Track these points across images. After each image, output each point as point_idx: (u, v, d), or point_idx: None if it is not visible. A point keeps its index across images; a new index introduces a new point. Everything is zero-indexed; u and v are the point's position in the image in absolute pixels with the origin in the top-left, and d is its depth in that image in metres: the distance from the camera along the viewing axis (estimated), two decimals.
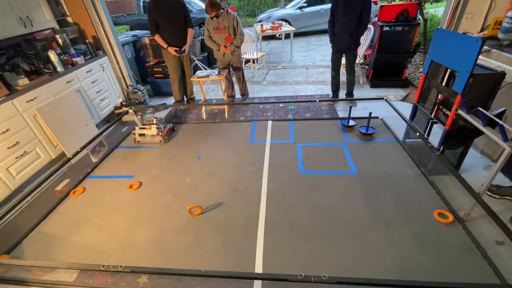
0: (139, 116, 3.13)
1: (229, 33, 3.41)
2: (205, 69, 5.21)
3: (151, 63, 4.59)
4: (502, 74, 1.86)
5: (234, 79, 4.02)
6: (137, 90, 4.25)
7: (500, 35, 2.36)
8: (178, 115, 3.94)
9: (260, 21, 8.24)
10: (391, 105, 2.97)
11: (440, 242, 1.73)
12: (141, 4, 8.25)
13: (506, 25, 2.27)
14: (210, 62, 5.85)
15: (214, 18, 3.34)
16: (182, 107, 4.12)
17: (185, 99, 4.11)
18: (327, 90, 4.27)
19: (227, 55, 3.58)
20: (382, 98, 3.24)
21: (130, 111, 3.05)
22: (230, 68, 3.87)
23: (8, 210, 2.09)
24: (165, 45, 3.45)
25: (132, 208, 2.23)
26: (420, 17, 4.37)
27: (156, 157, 2.90)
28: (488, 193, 2.03)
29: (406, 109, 2.84)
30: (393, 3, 5.10)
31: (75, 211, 2.27)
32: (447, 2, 3.16)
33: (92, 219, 2.16)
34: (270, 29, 5.93)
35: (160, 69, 4.50)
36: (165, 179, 2.53)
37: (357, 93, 3.99)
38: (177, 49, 3.48)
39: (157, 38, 3.43)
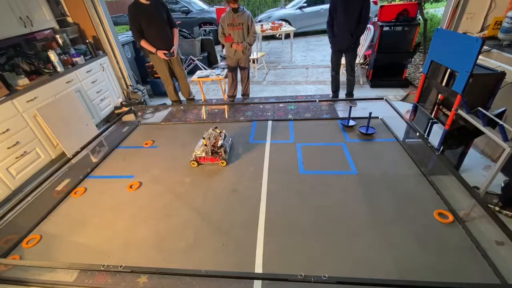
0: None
1: (242, 30, 3.44)
2: (205, 69, 5.21)
3: (151, 63, 4.58)
4: (502, 74, 1.86)
5: (238, 78, 4.01)
6: (137, 90, 4.25)
7: (500, 35, 2.36)
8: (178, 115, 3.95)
9: (260, 21, 8.23)
10: (391, 105, 2.98)
11: (440, 242, 1.73)
12: None
13: (506, 25, 2.28)
14: (210, 62, 5.85)
15: (230, 14, 3.36)
16: (182, 107, 4.12)
17: (182, 99, 4.11)
18: (327, 90, 4.28)
19: (237, 53, 3.59)
20: (382, 98, 3.24)
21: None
22: (237, 68, 3.87)
23: (8, 210, 2.09)
24: (153, 50, 3.37)
25: (132, 208, 2.23)
26: (420, 17, 4.37)
27: (156, 157, 2.89)
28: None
29: (406, 109, 2.84)
30: (393, 3, 5.10)
31: (75, 211, 2.27)
32: (447, 2, 3.16)
33: (92, 219, 2.16)
34: (270, 29, 5.93)
35: None
36: (165, 179, 2.53)
37: (357, 93, 3.99)
38: (167, 52, 3.41)
39: (144, 43, 3.34)
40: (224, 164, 2.62)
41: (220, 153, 2.61)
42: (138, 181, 2.53)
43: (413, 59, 5.04)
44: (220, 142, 2.62)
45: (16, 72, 2.84)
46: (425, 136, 2.36)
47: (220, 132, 2.75)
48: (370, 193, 2.16)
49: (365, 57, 5.02)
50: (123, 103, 4.11)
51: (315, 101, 3.74)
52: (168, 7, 3.46)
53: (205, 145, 2.57)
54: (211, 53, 5.90)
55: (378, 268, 1.61)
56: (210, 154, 2.60)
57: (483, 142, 2.54)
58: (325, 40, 7.75)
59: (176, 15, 8.00)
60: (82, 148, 2.77)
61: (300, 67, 5.70)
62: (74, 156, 2.70)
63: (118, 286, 1.65)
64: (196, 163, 2.64)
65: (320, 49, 6.94)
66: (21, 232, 2.08)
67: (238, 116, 3.73)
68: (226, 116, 3.79)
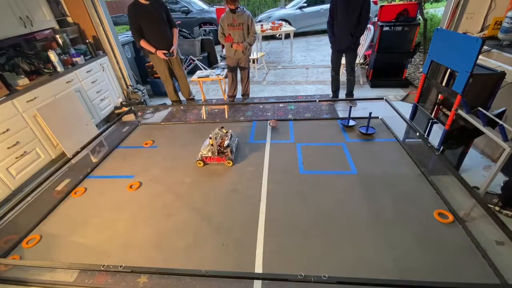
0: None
1: (243, 30, 3.44)
2: (205, 69, 5.21)
3: (151, 63, 4.58)
4: (502, 74, 1.86)
5: (238, 78, 4.01)
6: (137, 90, 4.25)
7: (500, 35, 2.36)
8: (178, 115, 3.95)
9: (260, 21, 8.23)
10: (391, 105, 2.98)
11: (440, 242, 1.73)
12: None
13: (506, 25, 2.28)
14: (210, 62, 5.85)
15: (230, 14, 3.35)
16: (182, 107, 4.12)
17: (182, 99, 4.11)
18: (327, 90, 4.28)
19: (237, 53, 3.59)
20: (382, 98, 3.25)
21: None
22: (237, 68, 3.87)
23: (8, 210, 2.09)
24: (153, 50, 3.38)
25: (132, 208, 2.23)
26: (420, 17, 4.38)
27: (156, 157, 2.89)
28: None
29: (406, 109, 2.85)
30: (393, 3, 5.10)
31: (75, 211, 2.27)
32: (447, 2, 3.16)
33: (92, 219, 2.16)
34: (270, 29, 5.93)
35: None
36: (165, 179, 2.53)
37: (357, 93, 3.99)
38: (166, 52, 3.41)
39: (143, 43, 3.34)
40: (231, 164, 2.61)
41: (227, 153, 2.60)
42: (138, 181, 2.53)
43: (413, 59, 5.04)
44: (226, 142, 2.61)
45: (16, 72, 2.83)
46: (425, 136, 2.36)
47: (227, 132, 2.75)
48: (370, 193, 2.16)
49: (365, 57, 5.02)
50: (123, 103, 4.11)
51: (315, 101, 3.73)
52: (168, 7, 3.46)
53: (212, 145, 2.57)
54: (211, 53, 5.89)
55: (378, 268, 1.61)
56: (216, 154, 2.60)
57: (483, 142, 2.54)
58: (325, 40, 7.75)
59: (176, 15, 8.00)
60: (82, 148, 2.77)
61: (300, 67, 5.70)
62: (74, 156, 2.70)
63: (118, 286, 1.65)
64: (202, 163, 2.64)
65: (320, 49, 6.94)
66: (21, 232, 2.08)
67: (238, 116, 3.72)
68: (226, 116, 3.79)
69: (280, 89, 4.65)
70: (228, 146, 2.60)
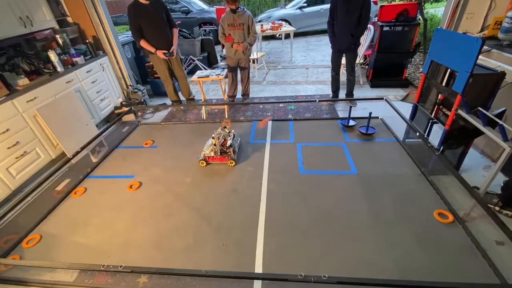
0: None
1: (243, 30, 3.43)
2: (205, 69, 5.21)
3: (151, 63, 4.58)
4: (502, 74, 1.86)
5: (238, 78, 4.01)
6: (137, 90, 4.25)
7: (500, 35, 2.36)
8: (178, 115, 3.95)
9: (260, 21, 8.23)
10: (391, 105, 2.98)
11: (440, 242, 1.73)
12: None
13: (506, 25, 2.28)
14: (210, 62, 5.85)
15: (231, 14, 3.35)
16: (182, 107, 4.12)
17: (182, 99, 4.12)
18: (327, 90, 4.28)
19: (238, 53, 3.58)
20: (382, 98, 3.25)
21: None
22: (237, 68, 3.87)
23: (8, 210, 2.09)
24: (153, 50, 3.38)
25: (132, 208, 2.23)
26: (420, 17, 4.38)
27: (156, 157, 2.89)
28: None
29: (406, 109, 2.85)
30: (393, 3, 5.10)
31: (75, 211, 2.27)
32: (447, 2, 3.16)
33: (92, 219, 2.16)
34: (270, 29, 5.93)
35: None
36: (165, 179, 2.53)
37: (357, 93, 3.99)
38: (166, 52, 3.41)
39: (143, 43, 3.34)
40: (233, 164, 2.60)
41: (229, 153, 2.60)
42: (138, 181, 2.53)
43: (413, 59, 5.04)
44: (229, 142, 2.61)
45: (16, 72, 2.83)
46: (425, 136, 2.36)
47: (229, 132, 2.74)
48: (370, 193, 2.16)
49: (365, 57, 5.02)
50: (123, 103, 4.11)
51: (315, 101, 3.73)
52: (168, 7, 3.46)
53: (214, 144, 2.56)
54: (211, 53, 5.89)
55: (378, 268, 1.61)
56: (219, 154, 2.59)
57: (483, 142, 2.54)
58: (325, 40, 7.75)
59: (176, 15, 8.00)
60: (82, 148, 2.77)
61: (300, 67, 5.70)
62: (74, 156, 2.70)
63: (118, 286, 1.65)
64: (205, 163, 2.64)
65: (320, 49, 6.94)
66: (21, 232, 2.08)
67: (238, 116, 3.72)
68: (226, 116, 3.79)
69: (280, 89, 4.65)
70: (230, 146, 2.60)
